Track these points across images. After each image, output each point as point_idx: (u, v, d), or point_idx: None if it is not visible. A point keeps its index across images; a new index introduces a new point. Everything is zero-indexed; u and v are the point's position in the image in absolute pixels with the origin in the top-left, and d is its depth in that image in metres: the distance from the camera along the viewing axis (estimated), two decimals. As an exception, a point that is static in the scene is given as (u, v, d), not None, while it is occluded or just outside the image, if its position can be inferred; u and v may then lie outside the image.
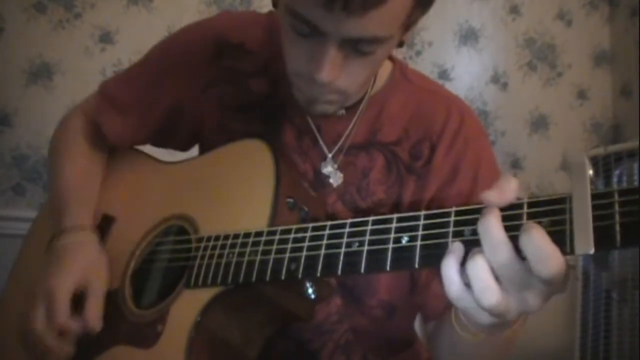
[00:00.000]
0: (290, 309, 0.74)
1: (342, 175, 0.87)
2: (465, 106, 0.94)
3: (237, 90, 0.92)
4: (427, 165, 0.87)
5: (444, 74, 2.30)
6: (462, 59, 2.31)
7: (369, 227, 0.59)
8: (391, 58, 0.95)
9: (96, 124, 1.00)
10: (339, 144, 0.88)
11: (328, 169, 0.87)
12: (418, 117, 0.89)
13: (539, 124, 2.31)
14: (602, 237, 0.43)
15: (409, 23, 0.73)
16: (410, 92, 0.91)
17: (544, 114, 2.31)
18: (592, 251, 0.43)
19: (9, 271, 1.04)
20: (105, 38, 2.18)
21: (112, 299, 0.85)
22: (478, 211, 0.51)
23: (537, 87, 2.32)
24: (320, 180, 0.88)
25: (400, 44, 0.80)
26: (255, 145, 0.79)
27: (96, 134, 1.01)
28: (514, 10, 2.31)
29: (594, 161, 1.84)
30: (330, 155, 0.88)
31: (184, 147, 1.03)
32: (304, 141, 0.89)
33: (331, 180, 0.87)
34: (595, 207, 0.45)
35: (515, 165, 2.30)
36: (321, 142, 0.89)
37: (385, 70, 0.93)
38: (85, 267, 0.85)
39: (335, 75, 0.72)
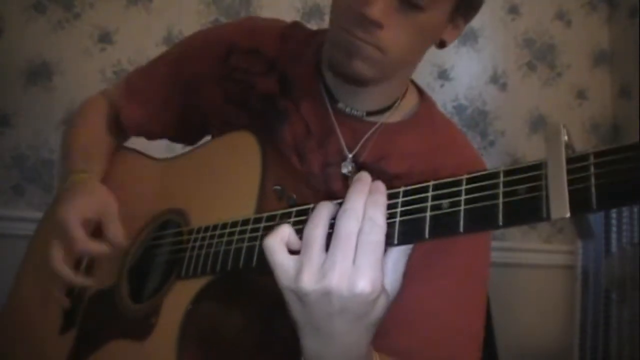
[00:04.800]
0: (280, 296, 0.75)
1: None
2: (479, 163, 0.94)
3: (243, 88, 0.94)
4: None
5: (443, 74, 2.30)
6: (462, 59, 2.31)
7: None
8: (421, 93, 0.96)
9: (115, 110, 1.05)
10: (356, 150, 0.88)
11: (348, 169, 0.87)
12: (427, 160, 0.89)
13: (538, 124, 2.31)
14: (578, 200, 0.43)
15: (457, 6, 0.79)
16: (429, 133, 0.91)
17: (543, 114, 2.31)
18: (567, 215, 0.43)
19: (15, 275, 1.04)
20: (105, 38, 2.18)
21: (109, 295, 0.85)
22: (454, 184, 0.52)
23: (537, 87, 2.32)
24: (323, 182, 0.87)
25: (442, 44, 0.85)
26: (242, 136, 0.79)
27: (113, 119, 1.05)
28: (513, 10, 2.32)
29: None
30: (350, 156, 0.88)
31: (194, 142, 1.06)
32: (312, 141, 0.89)
33: (349, 182, 0.86)
34: (570, 171, 0.44)
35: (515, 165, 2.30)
36: (342, 141, 0.89)
37: (411, 101, 0.94)
38: (94, 196, 0.89)
39: (383, 19, 0.73)
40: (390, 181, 0.87)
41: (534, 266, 2.22)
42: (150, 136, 1.08)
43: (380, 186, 0.56)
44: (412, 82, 0.97)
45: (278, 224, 0.58)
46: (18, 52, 2.16)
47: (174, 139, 1.09)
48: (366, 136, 0.89)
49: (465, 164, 0.91)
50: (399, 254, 0.57)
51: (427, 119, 0.93)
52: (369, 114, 0.89)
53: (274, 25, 0.99)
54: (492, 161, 2.27)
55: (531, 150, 2.30)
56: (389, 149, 0.89)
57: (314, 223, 0.55)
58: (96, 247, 0.84)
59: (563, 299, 2.14)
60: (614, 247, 1.78)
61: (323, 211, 0.56)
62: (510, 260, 2.10)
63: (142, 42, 2.12)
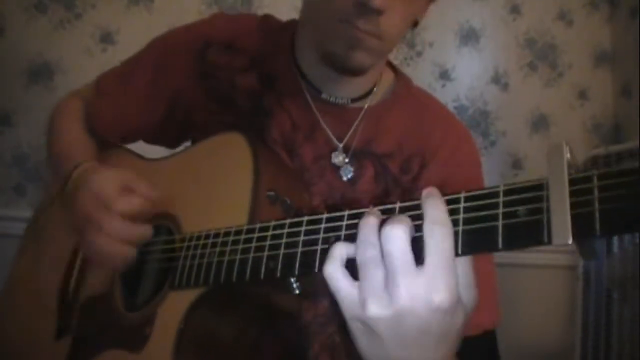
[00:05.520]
0: (276, 305, 0.74)
1: (352, 168, 0.87)
2: (464, 131, 0.95)
3: (224, 85, 0.92)
4: (414, 182, 0.87)
5: (444, 74, 2.30)
6: (463, 59, 2.31)
7: (345, 222, 0.56)
8: (395, 71, 0.97)
9: (89, 113, 1.01)
10: (346, 138, 0.89)
11: (339, 159, 0.88)
12: (414, 133, 0.90)
13: (540, 124, 2.31)
14: (581, 225, 0.41)
15: None
16: (410, 108, 0.93)
17: (544, 114, 2.31)
18: (569, 241, 0.41)
19: (6, 279, 1.03)
20: (106, 38, 2.18)
21: (103, 301, 0.84)
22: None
23: (538, 87, 2.32)
24: (317, 175, 0.87)
25: (415, 24, 0.85)
26: (232, 138, 0.78)
27: (89, 121, 1.02)
28: (515, 10, 2.31)
29: (595, 161, 1.84)
30: (341, 145, 0.88)
31: (174, 144, 1.04)
32: (299, 135, 0.89)
33: (341, 172, 0.87)
34: (573, 193, 0.42)
35: (516, 165, 2.30)
36: (329, 132, 0.89)
37: (387, 80, 0.94)
38: (109, 170, 0.82)
39: (384, 4, 0.73)
40: (382, 162, 0.88)
41: (536, 266, 2.21)
42: (125, 139, 1.03)
43: (433, 189, 0.51)
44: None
45: (332, 245, 0.53)
46: (19, 52, 2.16)
47: (152, 141, 1.04)
48: (355, 123, 0.89)
49: (448, 130, 0.92)
50: (466, 264, 0.52)
51: (407, 95, 0.94)
52: (353, 100, 0.90)
53: (247, 20, 0.98)
54: (494, 161, 2.27)
55: (532, 151, 2.30)
56: (375, 130, 0.90)
57: (361, 242, 0.50)
58: (135, 203, 0.76)
59: (564, 299, 2.13)
60: (615, 247, 1.78)
61: (367, 227, 0.51)
62: (512, 260, 2.10)
63: (143, 42, 2.10)
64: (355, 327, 0.51)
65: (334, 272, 0.51)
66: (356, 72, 0.83)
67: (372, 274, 0.49)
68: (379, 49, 0.80)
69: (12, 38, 2.16)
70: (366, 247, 0.49)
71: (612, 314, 1.79)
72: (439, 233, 0.47)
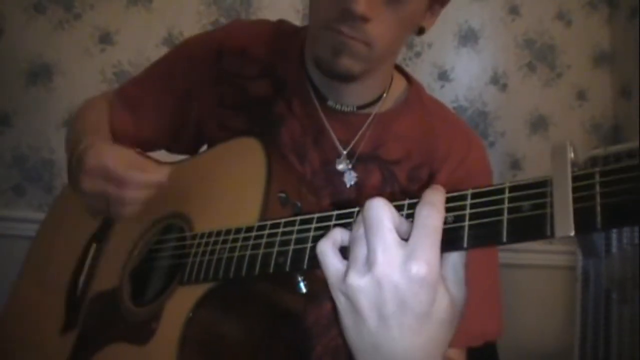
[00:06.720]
0: (281, 305, 0.75)
1: (356, 174, 0.88)
2: (475, 138, 0.95)
3: (237, 91, 0.94)
4: (422, 190, 0.87)
5: (443, 75, 2.30)
6: (462, 59, 2.31)
7: (354, 219, 0.56)
8: (409, 79, 0.97)
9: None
10: (352, 143, 0.89)
11: (342, 166, 0.89)
12: (424, 141, 0.90)
13: (539, 124, 2.31)
14: (583, 219, 0.42)
15: None
16: (421, 115, 0.93)
17: (543, 115, 2.31)
18: (572, 233, 0.42)
19: (19, 272, 1.04)
20: (105, 39, 2.18)
21: (111, 297, 0.85)
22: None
23: (537, 87, 2.32)
24: (326, 179, 0.88)
25: (421, 30, 0.85)
26: (248, 142, 0.80)
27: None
28: (514, 10, 2.31)
29: (593, 162, 1.84)
30: (345, 153, 0.89)
31: (192, 150, 1.04)
32: (308, 140, 0.90)
33: (345, 179, 0.88)
34: (575, 189, 0.44)
35: (515, 166, 2.30)
36: (334, 138, 0.90)
37: (399, 87, 0.95)
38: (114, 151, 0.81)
39: (368, 12, 0.73)
40: (389, 168, 0.88)
41: (535, 267, 2.22)
42: (143, 146, 1.01)
43: (439, 186, 0.52)
44: (398, 68, 0.98)
45: (331, 228, 0.54)
46: (18, 52, 2.16)
47: (170, 148, 1.05)
48: (362, 129, 0.90)
49: (458, 138, 0.92)
50: (457, 259, 0.52)
51: (417, 102, 0.94)
52: (359, 107, 0.90)
53: (261, 26, 0.99)
54: (493, 162, 2.26)
55: (531, 151, 2.30)
56: (384, 136, 0.90)
57: (354, 223, 0.52)
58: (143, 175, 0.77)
59: (563, 300, 2.14)
60: (614, 248, 1.78)
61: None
62: (511, 261, 2.10)
63: (142, 43, 2.12)
64: (339, 303, 0.51)
65: (326, 249, 0.52)
66: (345, 77, 0.83)
67: (358, 247, 0.49)
68: (366, 55, 0.79)
69: (12, 39, 2.16)
70: (357, 227, 0.50)
71: (611, 315, 1.78)
72: (427, 210, 0.48)
